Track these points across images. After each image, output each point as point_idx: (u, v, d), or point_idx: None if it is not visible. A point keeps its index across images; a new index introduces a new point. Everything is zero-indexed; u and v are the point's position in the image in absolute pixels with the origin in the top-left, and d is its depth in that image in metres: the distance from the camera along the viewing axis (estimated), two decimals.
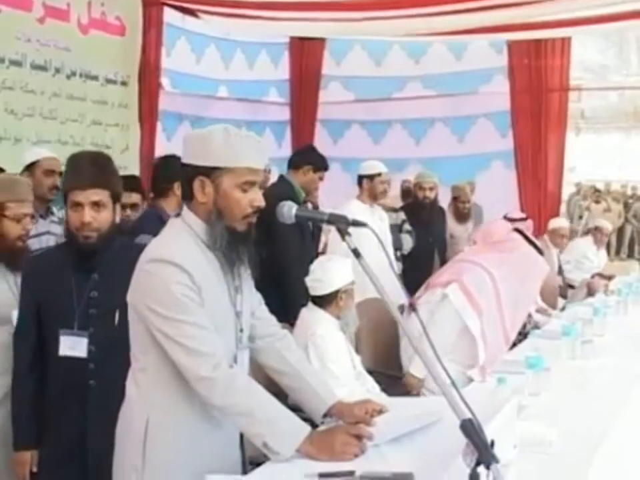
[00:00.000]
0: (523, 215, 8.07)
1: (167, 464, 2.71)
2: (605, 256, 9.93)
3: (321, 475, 2.40)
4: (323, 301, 4.65)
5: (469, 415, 2.18)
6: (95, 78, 8.69)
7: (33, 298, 3.43)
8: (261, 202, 2.77)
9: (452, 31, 9.45)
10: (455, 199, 8.78)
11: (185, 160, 2.77)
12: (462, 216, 8.58)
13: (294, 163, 6.41)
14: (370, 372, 5.05)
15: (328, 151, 8.73)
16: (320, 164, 6.39)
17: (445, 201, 8.75)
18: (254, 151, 2.75)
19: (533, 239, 5.52)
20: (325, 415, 2.91)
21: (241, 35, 10.69)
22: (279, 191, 5.85)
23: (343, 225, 2.65)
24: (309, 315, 4.70)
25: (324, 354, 4.48)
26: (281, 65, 11.44)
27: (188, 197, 2.77)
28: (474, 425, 2.15)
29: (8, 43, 7.63)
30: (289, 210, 2.72)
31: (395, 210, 7.81)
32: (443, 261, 7.27)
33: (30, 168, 5.64)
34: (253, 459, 3.05)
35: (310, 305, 4.72)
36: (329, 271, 4.62)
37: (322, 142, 11.07)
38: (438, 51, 10.86)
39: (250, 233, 2.79)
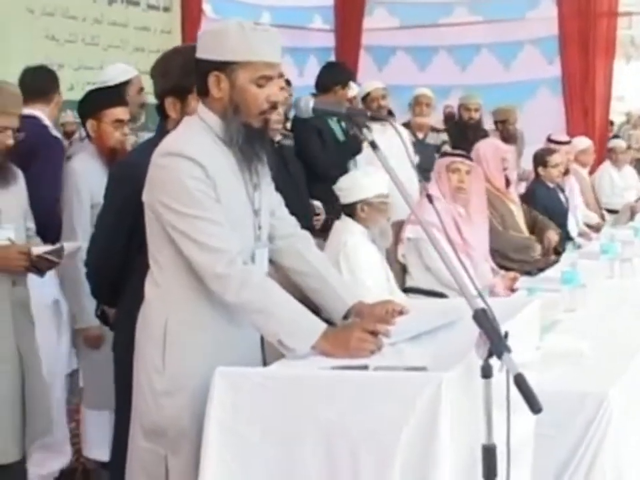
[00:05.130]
0: (567, 138, 7.98)
1: (187, 364, 2.67)
2: (635, 175, 9.64)
3: (334, 368, 2.36)
4: (349, 211, 4.63)
5: (482, 306, 2.12)
6: (137, 4, 8.67)
7: None
8: (277, 96, 2.70)
9: None
10: (502, 122, 8.65)
11: (199, 55, 2.70)
12: (511, 137, 8.46)
13: (322, 86, 6.36)
14: (408, 290, 5.05)
15: (373, 78, 8.64)
16: (348, 77, 6.32)
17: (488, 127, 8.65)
18: (269, 45, 2.68)
19: None
20: (346, 317, 2.87)
21: None
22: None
23: (361, 118, 2.59)
24: (341, 225, 4.69)
25: (355, 264, 4.45)
26: None
27: (203, 92, 2.71)
28: (487, 315, 2.10)
29: None
30: (306, 104, 2.66)
31: (437, 130, 7.75)
32: None
33: (122, 86, 5.18)
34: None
35: (342, 216, 4.70)
36: (353, 180, 4.61)
37: (366, 69, 10.96)
38: None
39: (267, 130, 2.73)
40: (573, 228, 7.06)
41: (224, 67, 2.63)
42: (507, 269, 5.42)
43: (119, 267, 3.23)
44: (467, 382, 2.16)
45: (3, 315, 3.75)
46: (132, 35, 8.44)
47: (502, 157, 6.22)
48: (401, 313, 2.78)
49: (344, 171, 5.55)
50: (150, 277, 2.77)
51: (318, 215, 5.52)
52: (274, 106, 2.69)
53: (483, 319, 2.09)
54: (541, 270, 5.47)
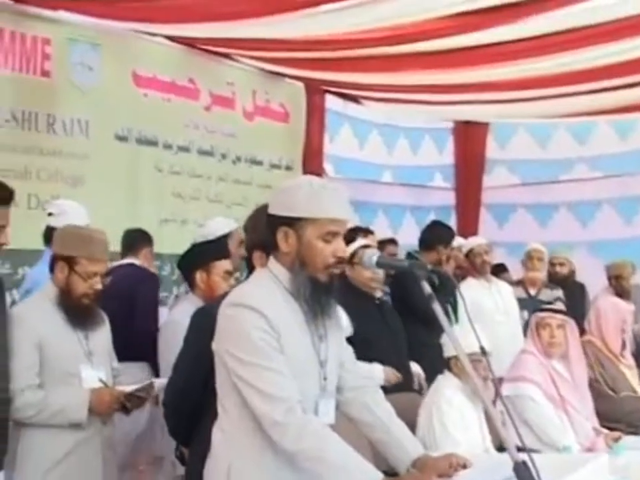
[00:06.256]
0: None
1: None
2: None
3: None
4: (448, 365, 4.69)
5: (524, 458, 2.10)
6: (260, 163, 8.98)
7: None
8: (343, 252, 2.80)
9: (616, 108, 9.29)
10: (616, 277, 8.54)
11: (270, 211, 2.83)
12: (625, 293, 8.30)
13: (425, 243, 6.45)
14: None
15: (493, 236, 8.71)
16: (451, 236, 6.39)
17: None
18: (337, 202, 2.79)
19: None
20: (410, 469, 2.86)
21: (403, 120, 10.83)
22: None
23: (422, 272, 2.64)
24: (442, 378, 4.73)
25: (446, 417, 4.47)
26: (445, 150, 11.50)
27: (273, 246, 2.82)
28: (527, 468, 2.06)
29: (176, 130, 8.04)
30: (369, 257, 2.74)
31: (551, 288, 7.68)
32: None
33: (225, 239, 5.63)
34: None
35: (445, 370, 4.74)
36: (446, 337, 4.62)
37: (487, 226, 11.00)
38: (603, 132, 10.66)
39: (332, 284, 2.80)
40: None
41: (292, 222, 2.76)
42: (612, 429, 5.24)
43: (195, 409, 3.32)
44: None
45: (94, 455, 3.91)
46: (255, 192, 8.69)
47: (622, 318, 6.09)
48: (464, 466, 2.76)
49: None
50: (218, 422, 2.84)
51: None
52: (340, 261, 2.79)
53: (523, 471, 2.06)
54: None
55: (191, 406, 3.37)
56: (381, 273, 5.25)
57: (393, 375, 5.06)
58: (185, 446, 3.82)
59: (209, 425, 2.91)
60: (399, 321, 5.51)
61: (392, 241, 8.55)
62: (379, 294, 5.43)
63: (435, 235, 6.50)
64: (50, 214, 5.54)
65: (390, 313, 5.44)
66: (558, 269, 8.26)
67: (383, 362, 5.10)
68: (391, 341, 5.23)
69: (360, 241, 5.51)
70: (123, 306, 5.46)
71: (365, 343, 5.03)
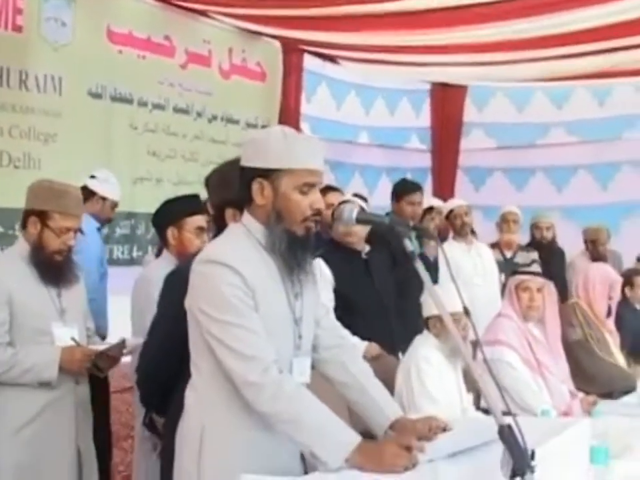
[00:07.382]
0: None
1: (221, 472, 2.62)
2: None
3: None
4: (426, 325, 4.66)
5: (509, 422, 2.05)
6: (236, 122, 8.89)
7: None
8: (320, 204, 2.69)
9: (594, 72, 9.25)
10: (592, 242, 8.53)
11: (243, 163, 2.73)
12: (601, 257, 8.30)
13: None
14: (483, 410, 4.91)
15: (469, 199, 8.63)
16: (402, 192, 6.34)
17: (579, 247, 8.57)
18: (312, 152, 2.69)
19: None
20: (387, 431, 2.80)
21: (381, 81, 10.75)
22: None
23: (404, 228, 2.57)
24: (420, 338, 4.69)
25: (424, 376, 4.44)
26: (422, 112, 11.41)
27: (247, 200, 2.73)
28: (512, 432, 2.02)
29: (151, 87, 7.93)
30: (349, 213, 2.67)
31: (526, 250, 7.65)
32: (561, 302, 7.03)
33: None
34: None
35: (424, 330, 4.70)
36: (425, 296, 4.59)
37: (463, 189, 10.98)
38: (581, 97, 10.65)
39: (309, 238, 2.70)
40: None
41: (267, 174, 2.65)
42: (588, 393, 5.22)
43: (170, 376, 3.16)
44: None
45: (67, 414, 3.86)
46: (230, 151, 8.49)
47: (610, 285, 6.07)
48: (444, 429, 2.71)
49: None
50: (191, 382, 2.76)
51: None
52: (317, 213, 2.69)
53: (508, 435, 2.01)
54: (626, 393, 5.24)
55: (167, 373, 3.18)
56: (359, 227, 5.06)
57: (374, 349, 5.00)
58: (158, 414, 3.63)
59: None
60: (389, 279, 5.36)
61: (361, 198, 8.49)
62: (366, 249, 5.33)
63: (392, 192, 6.49)
64: (92, 176, 5.49)
65: (378, 271, 5.31)
66: (545, 232, 8.20)
67: (365, 322, 5.02)
68: (375, 300, 5.14)
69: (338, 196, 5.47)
70: None
71: (347, 301, 4.97)
